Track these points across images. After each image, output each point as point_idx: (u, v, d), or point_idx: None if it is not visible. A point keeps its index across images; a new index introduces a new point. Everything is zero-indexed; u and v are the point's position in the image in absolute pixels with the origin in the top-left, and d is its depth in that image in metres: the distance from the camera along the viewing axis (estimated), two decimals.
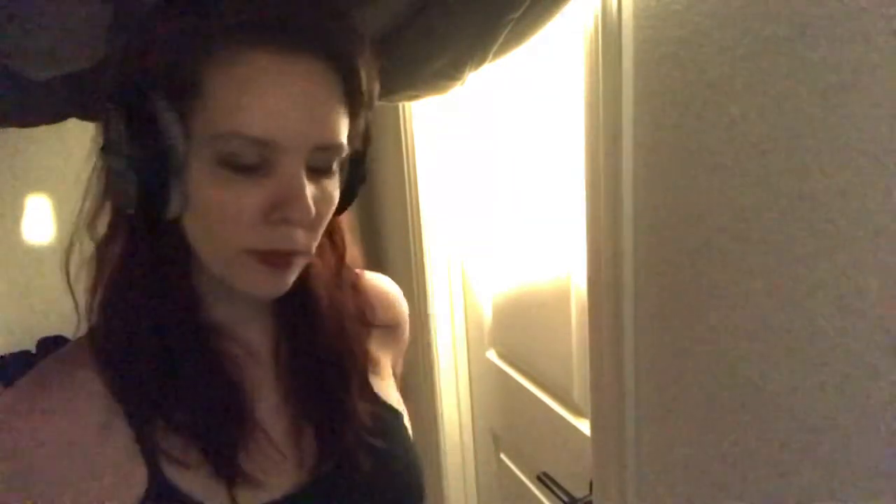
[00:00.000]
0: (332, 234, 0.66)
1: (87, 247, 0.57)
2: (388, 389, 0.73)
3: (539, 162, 1.23)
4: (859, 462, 0.59)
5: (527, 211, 1.30)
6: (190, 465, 0.54)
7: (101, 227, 0.57)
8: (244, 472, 0.56)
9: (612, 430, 0.92)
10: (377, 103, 0.62)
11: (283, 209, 0.51)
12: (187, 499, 0.54)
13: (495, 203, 1.43)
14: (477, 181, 1.50)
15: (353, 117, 0.56)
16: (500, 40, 0.78)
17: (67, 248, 0.56)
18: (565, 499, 1.20)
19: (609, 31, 0.78)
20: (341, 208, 0.61)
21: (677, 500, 0.84)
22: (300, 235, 0.54)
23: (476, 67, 0.85)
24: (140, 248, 0.55)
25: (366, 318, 0.71)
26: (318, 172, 0.54)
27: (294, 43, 0.50)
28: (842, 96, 0.55)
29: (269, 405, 0.62)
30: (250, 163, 0.50)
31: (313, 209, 0.52)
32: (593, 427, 1.00)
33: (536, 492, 1.43)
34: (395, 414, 0.71)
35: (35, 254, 2.39)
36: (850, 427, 0.59)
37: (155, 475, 0.54)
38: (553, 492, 1.24)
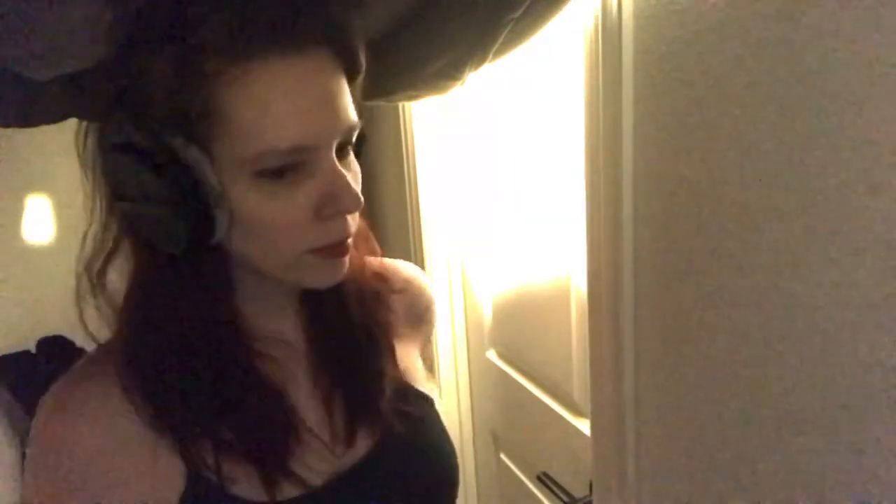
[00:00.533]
0: None
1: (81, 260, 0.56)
2: (417, 376, 0.73)
3: (539, 162, 1.23)
4: (862, 463, 0.59)
5: (527, 211, 1.30)
6: (235, 476, 0.55)
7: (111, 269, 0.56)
8: (291, 473, 0.57)
9: (612, 430, 0.93)
10: (377, 103, 0.62)
11: (333, 203, 0.52)
12: (229, 498, 0.54)
13: (495, 203, 1.43)
14: (477, 181, 1.50)
15: (351, 89, 0.56)
16: (500, 40, 0.78)
17: (77, 297, 0.55)
18: (565, 499, 1.20)
19: (609, 31, 0.78)
20: None
21: (677, 500, 0.84)
22: (350, 220, 0.55)
23: (476, 67, 0.85)
24: (176, 274, 0.54)
25: (389, 302, 0.71)
26: (342, 156, 0.54)
27: (294, 40, 0.50)
28: (841, 96, 0.55)
29: (307, 395, 0.62)
30: (287, 169, 0.50)
31: (361, 195, 0.53)
32: (593, 427, 1.00)
33: (536, 492, 1.43)
34: (425, 399, 0.71)
35: (35, 254, 2.39)
36: (852, 427, 0.59)
37: (196, 481, 0.54)
38: (553, 492, 1.24)
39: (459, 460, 1.83)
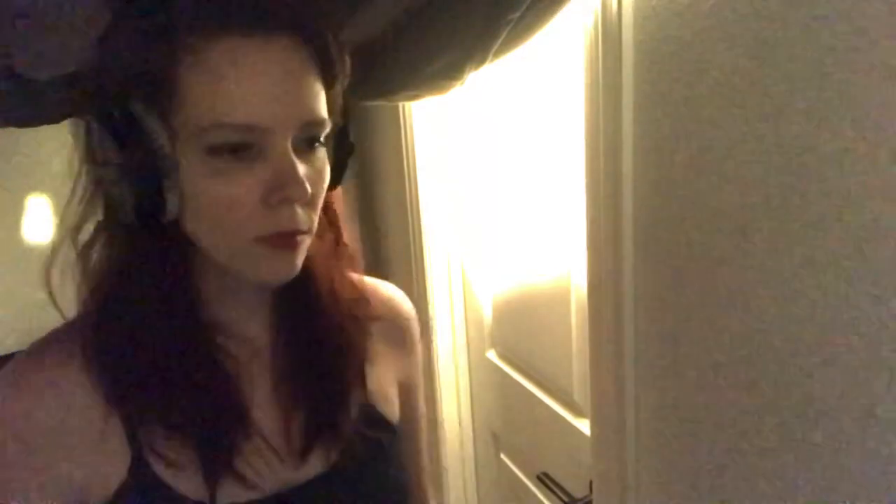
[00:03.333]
0: (326, 210, 0.65)
1: (70, 254, 0.56)
2: (388, 402, 0.71)
3: (539, 161, 1.23)
4: (859, 462, 0.59)
5: (527, 211, 1.30)
6: (180, 464, 0.55)
7: (84, 235, 0.56)
8: (236, 472, 0.56)
9: (612, 430, 0.92)
10: (377, 103, 0.62)
11: (280, 190, 0.52)
12: (170, 492, 0.55)
13: (495, 202, 1.43)
14: (477, 181, 1.50)
15: (328, 91, 0.57)
16: (501, 40, 0.78)
17: (49, 258, 0.56)
18: (565, 499, 1.20)
19: (609, 31, 0.78)
20: (333, 184, 0.61)
21: (677, 500, 0.84)
22: (301, 214, 0.54)
23: (476, 67, 0.85)
24: (138, 252, 0.55)
25: (365, 319, 0.70)
26: (305, 150, 0.54)
27: (260, 24, 0.51)
28: (841, 95, 0.55)
29: (265, 401, 0.62)
30: (239, 149, 0.51)
31: (309, 186, 0.52)
32: (593, 427, 1.00)
33: (536, 492, 1.43)
34: (390, 429, 0.69)
35: (35, 254, 2.39)
36: (851, 426, 0.59)
37: (139, 466, 0.55)
38: (553, 492, 1.24)
39: (459, 460, 1.83)
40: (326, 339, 0.65)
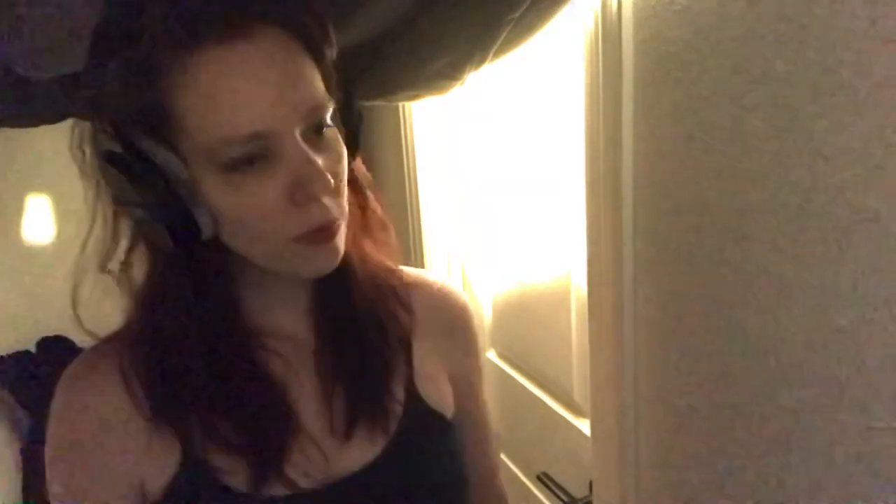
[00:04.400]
0: (351, 181, 0.62)
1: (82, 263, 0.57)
2: (434, 393, 0.67)
3: (539, 161, 1.23)
4: (860, 464, 0.59)
5: (527, 211, 1.30)
6: (230, 467, 0.56)
7: (115, 264, 0.57)
8: (286, 476, 0.57)
9: (612, 430, 0.93)
10: (377, 103, 0.62)
11: (304, 188, 0.51)
12: (221, 484, 0.56)
13: (495, 202, 1.43)
14: (477, 180, 1.50)
15: (320, 66, 0.55)
16: (501, 40, 0.78)
17: (74, 288, 0.56)
18: (565, 499, 1.20)
19: (609, 31, 0.78)
20: (352, 155, 0.59)
21: (677, 499, 0.84)
22: (330, 203, 0.53)
23: (476, 67, 0.85)
24: (177, 268, 0.55)
25: (405, 299, 0.69)
26: (315, 137, 0.53)
27: (234, 26, 0.49)
28: (842, 96, 0.55)
29: (308, 385, 0.62)
30: (253, 158, 0.50)
31: (331, 178, 0.52)
32: (593, 427, 1.00)
33: (536, 492, 1.43)
34: (438, 416, 0.66)
35: (35, 253, 2.39)
36: (852, 427, 0.59)
37: (190, 463, 0.56)
38: (553, 492, 1.24)
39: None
40: (364, 309, 0.64)
